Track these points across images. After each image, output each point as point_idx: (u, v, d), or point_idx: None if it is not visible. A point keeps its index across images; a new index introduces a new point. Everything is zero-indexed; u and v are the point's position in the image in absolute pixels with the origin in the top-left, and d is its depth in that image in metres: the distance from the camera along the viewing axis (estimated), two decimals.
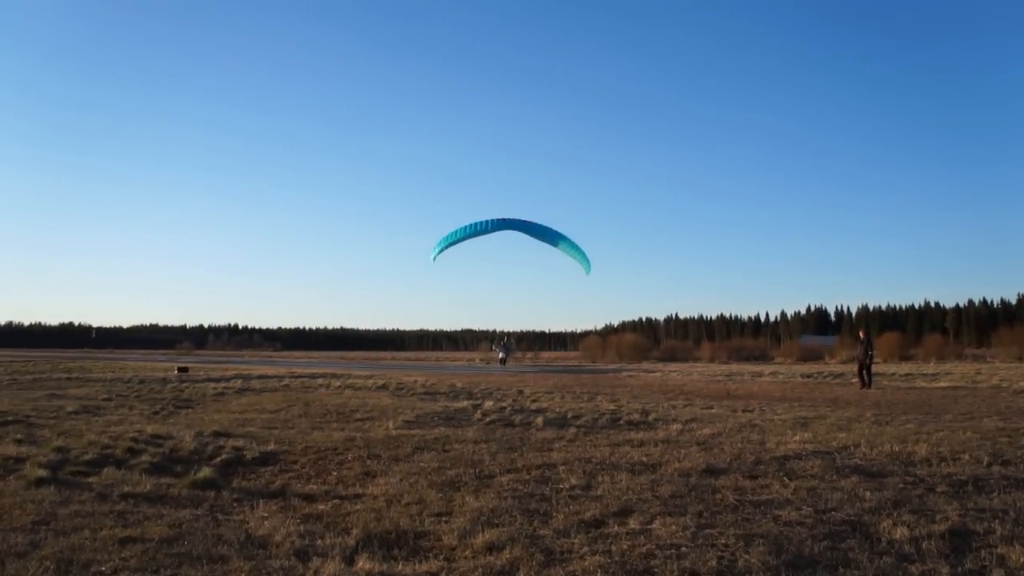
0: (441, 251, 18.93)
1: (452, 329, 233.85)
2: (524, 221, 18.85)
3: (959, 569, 5.12)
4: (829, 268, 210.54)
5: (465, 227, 18.24)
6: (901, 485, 7.88)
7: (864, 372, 25.10)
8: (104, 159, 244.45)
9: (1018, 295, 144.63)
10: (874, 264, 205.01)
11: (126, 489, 7.93)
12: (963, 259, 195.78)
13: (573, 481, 8.25)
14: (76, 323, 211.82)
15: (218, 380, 27.65)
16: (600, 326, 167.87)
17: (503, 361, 49.71)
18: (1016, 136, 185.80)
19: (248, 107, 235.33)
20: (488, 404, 17.60)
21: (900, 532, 5.94)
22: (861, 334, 28.19)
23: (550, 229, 19.06)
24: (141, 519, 6.68)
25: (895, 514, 6.58)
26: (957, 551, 5.53)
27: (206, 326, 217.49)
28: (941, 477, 8.25)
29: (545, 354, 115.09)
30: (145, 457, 9.79)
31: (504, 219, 18.77)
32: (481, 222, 18.16)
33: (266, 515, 6.95)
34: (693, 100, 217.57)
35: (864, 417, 14.52)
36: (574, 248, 19.34)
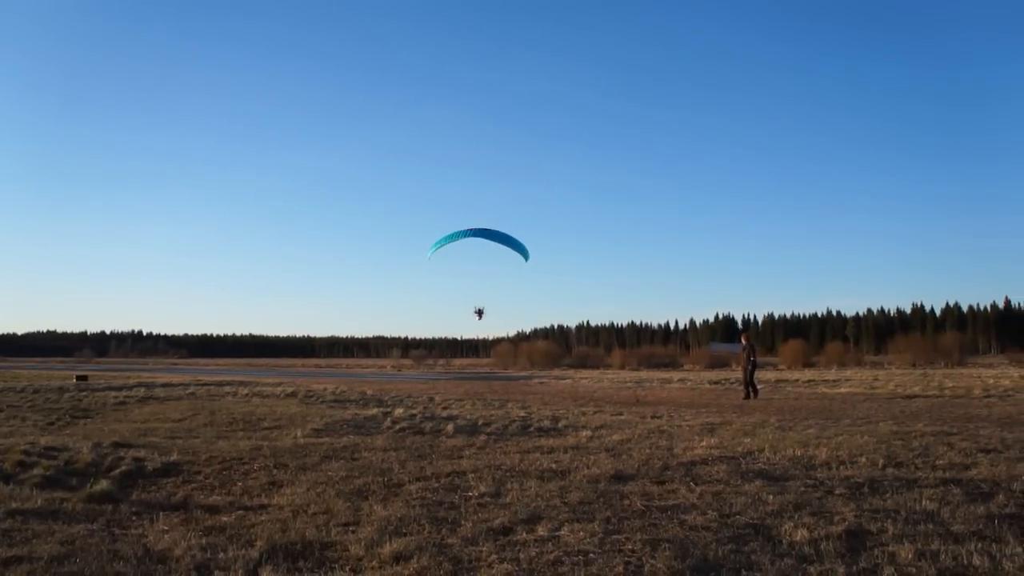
0: (434, 251, 20.22)
1: (363, 336, 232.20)
2: (486, 230, 20.26)
3: (854, 568, 5.28)
4: (737, 277, 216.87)
5: (449, 235, 19.91)
6: (802, 488, 8.11)
7: (749, 380, 23.56)
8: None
9: (912, 304, 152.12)
10: (780, 274, 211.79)
11: (14, 505, 7.53)
12: (862, 269, 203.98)
13: (482, 489, 8.23)
14: None
15: (120, 388, 26.71)
16: (512, 333, 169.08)
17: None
18: (913, 143, 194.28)
19: (152, 113, 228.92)
20: (398, 411, 17.47)
21: (800, 534, 6.10)
22: (743, 340, 26.08)
23: (508, 235, 20.51)
24: (30, 537, 6.36)
25: (796, 516, 6.75)
26: (853, 551, 5.70)
27: (108, 332, 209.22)
28: (840, 480, 8.52)
29: (457, 361, 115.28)
30: (37, 471, 9.33)
31: (474, 229, 20.19)
32: (459, 232, 20.06)
33: (166, 528, 6.71)
34: (605, 102, 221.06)
35: (768, 423, 14.91)
36: (521, 247, 20.59)
